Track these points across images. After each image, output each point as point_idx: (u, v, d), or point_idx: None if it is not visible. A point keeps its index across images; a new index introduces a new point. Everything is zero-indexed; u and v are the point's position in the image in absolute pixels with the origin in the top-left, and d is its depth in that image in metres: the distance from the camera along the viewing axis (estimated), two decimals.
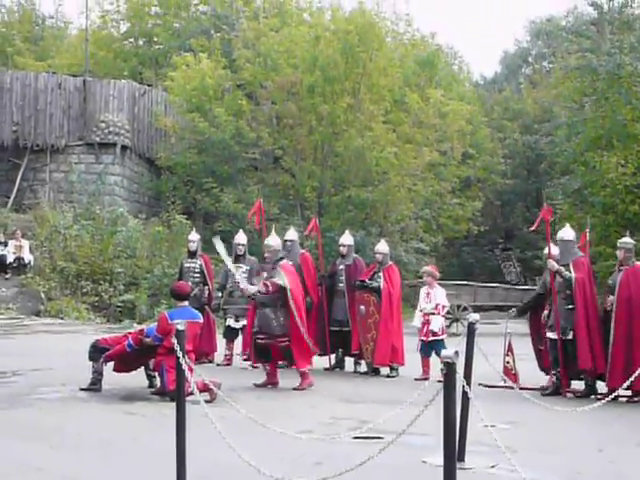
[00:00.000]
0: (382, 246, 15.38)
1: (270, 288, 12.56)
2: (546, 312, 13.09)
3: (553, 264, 12.46)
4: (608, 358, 12.23)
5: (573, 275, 12.50)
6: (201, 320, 12.04)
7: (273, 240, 13.26)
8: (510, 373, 13.17)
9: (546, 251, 13.32)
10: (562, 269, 12.47)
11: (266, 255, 13.18)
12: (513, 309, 14.45)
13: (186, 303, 11.93)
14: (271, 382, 12.87)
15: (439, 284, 14.98)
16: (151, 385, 12.07)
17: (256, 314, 13.02)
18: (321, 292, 15.34)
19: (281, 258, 13.14)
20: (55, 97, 31.39)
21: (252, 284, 13.35)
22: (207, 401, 8.75)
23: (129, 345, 11.70)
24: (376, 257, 15.19)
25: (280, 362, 13.35)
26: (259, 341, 12.85)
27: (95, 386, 11.85)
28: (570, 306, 12.43)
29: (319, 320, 15.26)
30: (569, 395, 12.39)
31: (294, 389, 12.51)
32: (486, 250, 45.76)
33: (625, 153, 27.39)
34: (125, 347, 11.74)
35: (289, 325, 12.67)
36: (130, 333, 12.17)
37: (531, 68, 55.00)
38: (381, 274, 14.83)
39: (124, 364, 12.01)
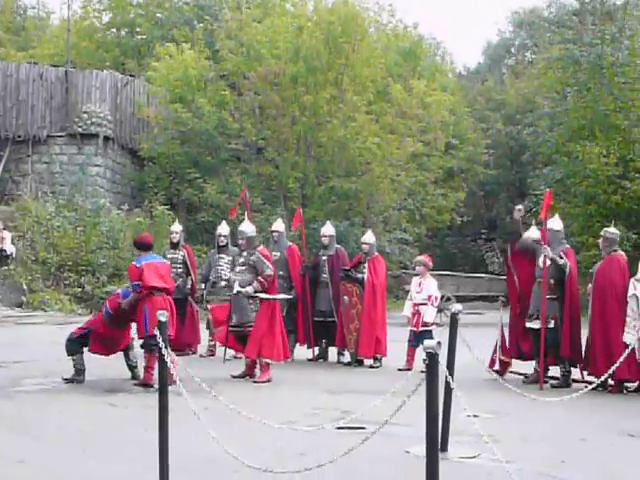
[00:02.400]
0: (368, 236, 15.40)
1: (266, 284, 12.54)
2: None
3: (548, 251, 12.45)
4: (583, 346, 12.40)
5: (569, 263, 12.56)
6: (167, 261, 12.26)
7: (247, 227, 13.15)
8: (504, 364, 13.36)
9: (535, 235, 13.31)
10: (557, 257, 12.50)
11: (240, 242, 13.11)
12: (502, 298, 14.45)
13: (150, 252, 12.02)
14: (249, 373, 12.81)
15: None
16: (133, 377, 12.06)
17: (232, 303, 12.98)
18: (305, 283, 15.36)
19: (257, 245, 13.07)
20: (37, 88, 31.21)
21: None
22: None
23: (106, 312, 11.75)
24: (362, 247, 15.21)
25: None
26: (235, 331, 12.84)
27: (78, 377, 11.84)
28: (552, 295, 12.48)
29: (303, 311, 15.30)
30: (546, 385, 12.45)
31: (254, 381, 12.45)
32: (469, 240, 45.83)
33: (607, 143, 27.50)
34: (103, 316, 11.78)
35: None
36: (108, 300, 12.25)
37: (514, 59, 55.03)
38: (366, 265, 14.86)
39: (102, 344, 11.97)
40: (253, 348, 12.45)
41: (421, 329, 14.05)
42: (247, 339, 12.64)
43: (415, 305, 14.31)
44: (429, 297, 14.20)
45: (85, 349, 11.98)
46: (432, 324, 14.25)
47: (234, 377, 12.64)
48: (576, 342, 12.55)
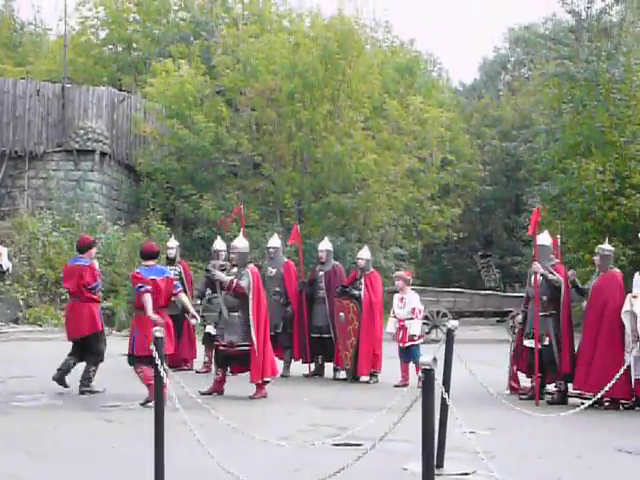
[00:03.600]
0: (364, 252, 15.38)
1: (233, 286, 12.46)
2: (520, 317, 13.25)
3: (538, 267, 12.45)
4: (578, 363, 12.39)
5: (562, 278, 12.56)
6: (172, 275, 12.14)
7: (240, 242, 13.10)
8: (516, 379, 13.37)
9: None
10: (547, 272, 12.49)
11: (232, 257, 13.07)
12: (512, 323, 14.36)
13: (154, 262, 11.98)
14: (217, 390, 12.66)
15: (419, 290, 14.99)
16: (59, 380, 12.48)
17: (221, 318, 12.90)
18: (301, 299, 15.37)
19: (249, 262, 13.03)
20: (34, 103, 31.21)
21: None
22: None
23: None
24: (358, 263, 15.18)
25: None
26: (222, 349, 12.77)
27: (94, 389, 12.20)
28: (546, 312, 12.49)
29: (300, 327, 15.29)
30: (542, 402, 12.43)
31: (250, 397, 12.39)
32: (465, 256, 45.81)
33: (603, 160, 27.51)
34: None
35: (250, 333, 12.52)
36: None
37: (510, 75, 55.03)
38: (362, 281, 14.85)
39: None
40: (257, 373, 12.47)
41: (408, 344, 14.07)
42: (232, 359, 12.64)
43: (400, 321, 14.29)
44: (413, 310, 14.19)
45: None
46: (419, 337, 14.26)
47: (202, 393, 12.02)
48: (574, 358, 12.55)
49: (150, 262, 11.85)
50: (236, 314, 12.56)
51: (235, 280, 12.50)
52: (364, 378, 14.74)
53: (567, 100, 30.39)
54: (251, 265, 13.00)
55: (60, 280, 25.27)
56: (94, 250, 13.23)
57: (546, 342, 12.47)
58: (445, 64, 77.03)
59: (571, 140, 29.51)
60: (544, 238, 12.98)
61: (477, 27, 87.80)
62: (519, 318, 13.36)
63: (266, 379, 12.56)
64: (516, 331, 13.78)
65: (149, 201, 31.76)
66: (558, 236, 14.77)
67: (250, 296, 12.49)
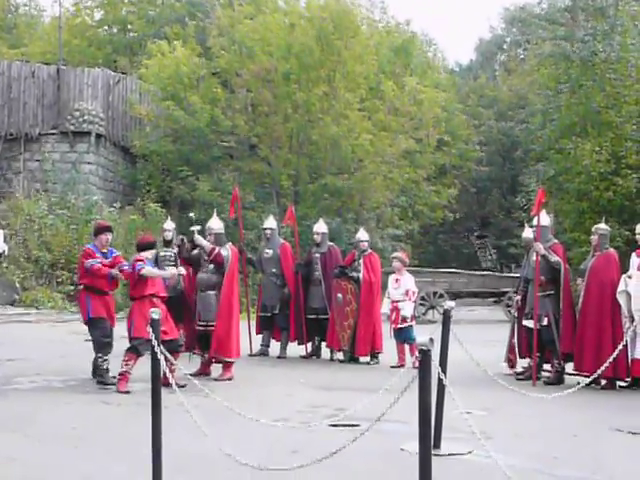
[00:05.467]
0: (363, 234, 15.35)
1: (215, 252, 12.52)
2: (519, 297, 13.27)
3: (540, 247, 12.45)
4: (577, 344, 12.40)
5: (560, 259, 12.57)
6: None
7: (215, 223, 13.11)
8: (513, 352, 13.38)
9: (528, 234, 13.33)
10: (547, 253, 12.49)
11: (208, 239, 13.07)
12: (515, 298, 14.27)
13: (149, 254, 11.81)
14: (203, 371, 12.64)
15: (415, 271, 14.98)
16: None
17: (198, 298, 12.85)
18: (298, 280, 15.37)
19: (225, 241, 12.99)
20: (29, 85, 31.12)
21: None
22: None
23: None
24: (361, 245, 15.10)
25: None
26: (199, 328, 12.70)
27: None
28: (546, 292, 12.50)
29: (296, 308, 15.31)
30: (539, 382, 12.46)
31: (215, 379, 12.27)
32: (462, 237, 45.81)
33: (599, 140, 27.47)
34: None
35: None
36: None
37: (506, 55, 54.98)
38: (361, 262, 14.84)
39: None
40: (217, 349, 12.48)
41: (400, 325, 14.08)
42: (208, 338, 12.58)
43: (393, 302, 14.30)
44: (407, 292, 14.20)
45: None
46: (411, 319, 14.26)
47: (191, 375, 12.17)
48: (572, 336, 12.56)
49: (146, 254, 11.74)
50: (212, 292, 12.56)
51: (218, 248, 12.59)
52: (364, 359, 14.77)
53: (563, 80, 30.31)
54: (230, 244, 13.01)
55: (57, 263, 25.41)
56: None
57: (544, 322, 12.49)
58: (441, 44, 76.77)
59: (567, 120, 29.46)
60: (542, 218, 12.98)
61: (473, 7, 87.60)
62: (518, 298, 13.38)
63: (227, 359, 12.46)
64: (513, 312, 13.82)
65: (145, 183, 31.74)
66: (551, 215, 14.78)
67: (226, 269, 12.50)
